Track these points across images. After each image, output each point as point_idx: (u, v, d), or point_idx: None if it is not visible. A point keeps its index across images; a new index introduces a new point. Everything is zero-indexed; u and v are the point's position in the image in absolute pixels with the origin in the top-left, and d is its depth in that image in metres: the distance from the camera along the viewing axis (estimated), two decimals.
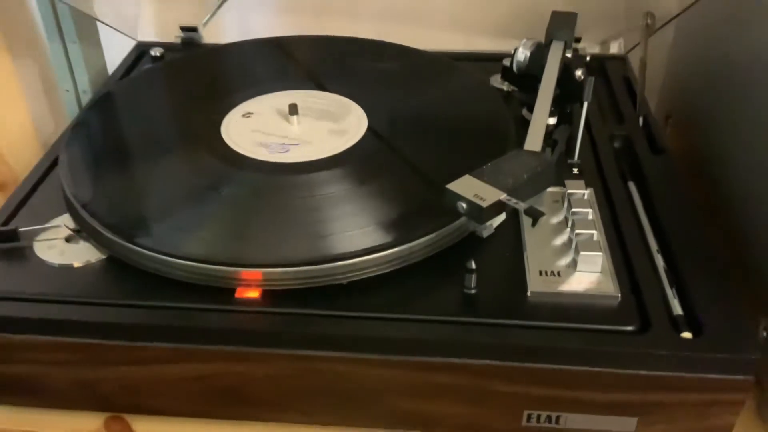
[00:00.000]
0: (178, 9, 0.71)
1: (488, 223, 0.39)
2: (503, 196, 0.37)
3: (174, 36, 0.68)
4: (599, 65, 0.65)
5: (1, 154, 0.81)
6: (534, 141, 0.43)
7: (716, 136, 0.56)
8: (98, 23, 0.73)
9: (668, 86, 0.69)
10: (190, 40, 0.67)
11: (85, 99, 0.74)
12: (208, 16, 0.68)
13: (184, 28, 0.67)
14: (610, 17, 0.68)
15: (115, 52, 0.76)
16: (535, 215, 0.36)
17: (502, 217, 0.40)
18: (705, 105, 0.59)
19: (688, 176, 0.57)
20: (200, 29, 0.67)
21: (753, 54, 0.50)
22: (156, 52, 0.63)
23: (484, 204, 0.36)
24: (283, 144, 0.49)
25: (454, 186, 0.38)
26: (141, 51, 0.68)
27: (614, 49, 0.71)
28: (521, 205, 0.37)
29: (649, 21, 0.61)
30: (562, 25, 0.56)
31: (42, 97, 0.85)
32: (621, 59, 0.67)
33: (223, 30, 0.73)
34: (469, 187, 0.38)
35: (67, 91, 0.73)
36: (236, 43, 0.64)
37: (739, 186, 0.51)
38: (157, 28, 0.72)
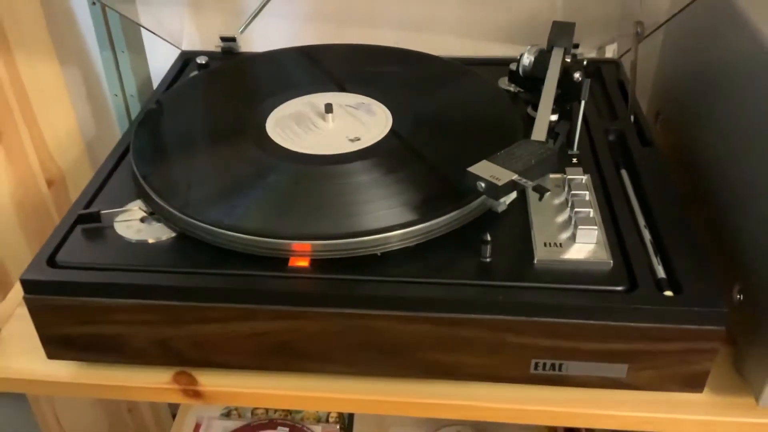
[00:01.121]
0: (215, 20, 0.78)
1: (502, 200, 0.46)
2: (515, 177, 0.44)
3: (214, 45, 0.75)
4: (595, 68, 0.71)
5: (50, 154, 0.88)
6: (539, 132, 0.50)
7: (699, 131, 0.61)
8: (143, 34, 0.80)
9: (658, 87, 0.74)
10: (229, 49, 0.74)
11: (132, 103, 0.81)
12: (243, 26, 0.75)
13: (223, 38, 0.74)
14: (604, 25, 0.73)
15: (157, 60, 0.84)
16: (542, 192, 0.43)
17: (513, 195, 0.47)
18: (690, 104, 0.64)
19: (673, 166, 0.63)
20: (238, 38, 0.74)
21: (731, 58, 0.55)
22: (202, 60, 0.70)
23: (500, 183, 0.44)
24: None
25: (474, 169, 0.45)
26: (185, 59, 0.75)
27: (609, 53, 0.76)
28: (530, 184, 0.44)
29: (639, 29, 0.67)
30: (561, 33, 0.62)
31: (86, 102, 0.92)
32: (615, 63, 0.72)
33: (256, 38, 0.79)
34: (486, 170, 0.45)
35: (116, 95, 0.80)
36: (273, 51, 0.71)
37: (717, 174, 0.56)
38: (198, 38, 0.79)
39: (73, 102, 0.89)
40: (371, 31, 0.81)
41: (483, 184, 0.45)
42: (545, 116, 0.52)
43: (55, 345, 0.49)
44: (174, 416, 0.99)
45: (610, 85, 0.68)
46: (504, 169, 0.45)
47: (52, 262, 0.48)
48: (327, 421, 0.88)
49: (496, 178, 0.44)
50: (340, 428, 0.87)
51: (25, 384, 0.53)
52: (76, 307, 0.47)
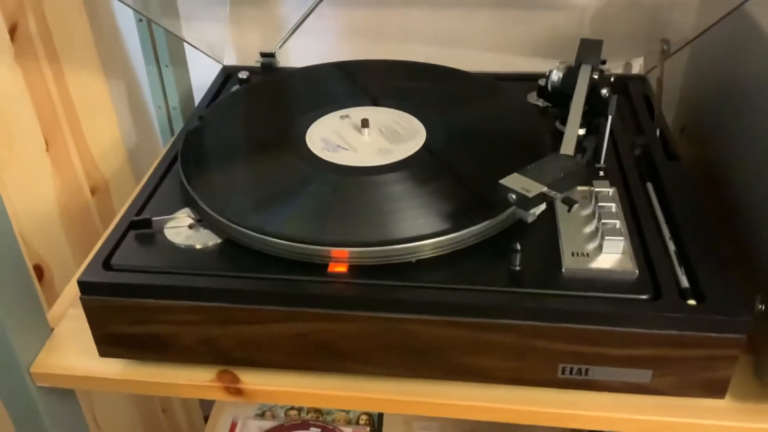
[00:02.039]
0: (255, 36, 0.82)
1: (532, 211, 0.48)
2: (544, 189, 0.47)
3: (254, 60, 0.78)
4: (622, 84, 0.72)
5: (95, 162, 0.92)
6: (568, 146, 0.52)
7: (723, 146, 0.63)
8: (186, 49, 0.84)
9: (683, 102, 0.75)
10: (268, 64, 0.78)
11: (175, 115, 0.84)
12: (281, 42, 0.78)
13: (263, 54, 0.77)
14: (631, 42, 0.75)
15: (198, 74, 0.87)
16: (570, 203, 0.46)
17: (543, 206, 0.49)
18: (715, 119, 0.66)
19: (698, 180, 0.65)
20: (276, 54, 0.78)
21: (755, 75, 0.57)
22: (243, 74, 0.73)
23: (530, 195, 0.46)
24: (338, 146, 0.59)
25: (505, 181, 0.48)
26: (227, 73, 0.79)
27: (635, 69, 0.78)
28: (558, 196, 0.46)
29: (665, 47, 0.69)
30: (589, 50, 0.64)
31: (129, 113, 0.96)
32: (641, 79, 0.74)
33: (293, 54, 0.83)
34: (517, 182, 0.47)
35: (159, 107, 0.84)
36: (311, 66, 0.74)
37: (740, 187, 0.58)
38: (238, 53, 0.82)
39: (116, 113, 0.93)
40: (403, 47, 0.84)
41: (514, 196, 0.47)
42: (574, 131, 0.54)
43: (108, 343, 0.52)
44: (206, 419, 1.02)
45: (637, 100, 0.70)
46: (534, 181, 0.47)
47: (107, 265, 0.51)
48: (357, 423, 0.91)
49: (527, 190, 0.46)
50: (370, 430, 0.90)
51: (77, 380, 0.56)
52: (129, 307, 0.50)
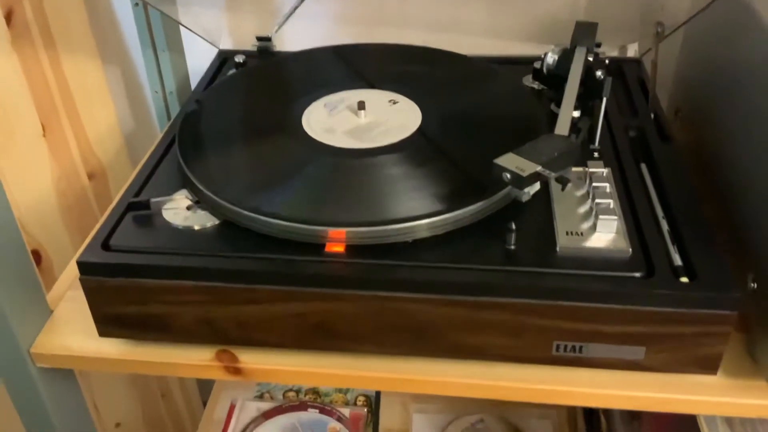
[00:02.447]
0: (251, 20, 0.82)
1: (526, 190, 0.49)
2: (539, 168, 0.47)
3: (250, 44, 0.78)
4: (617, 67, 0.73)
5: (91, 148, 0.92)
6: (562, 127, 0.53)
7: (716, 128, 0.63)
8: (183, 33, 0.84)
9: (677, 84, 0.76)
10: (265, 48, 0.78)
11: (171, 100, 0.85)
12: (278, 26, 0.78)
13: (259, 38, 0.78)
14: (626, 26, 0.76)
15: (195, 58, 0.88)
16: (564, 182, 0.46)
17: (537, 186, 0.50)
18: (708, 101, 0.66)
19: (692, 160, 0.65)
20: (273, 38, 0.78)
21: (747, 58, 0.57)
22: (240, 58, 0.73)
23: (524, 174, 0.47)
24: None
25: (500, 160, 0.48)
26: (223, 58, 0.79)
27: (630, 52, 0.78)
28: (552, 175, 0.47)
29: (659, 29, 0.69)
30: (584, 33, 0.65)
31: (125, 99, 0.96)
32: (636, 62, 0.75)
33: (289, 38, 0.83)
34: (511, 162, 0.48)
35: (156, 92, 0.84)
36: (308, 50, 0.74)
37: (733, 168, 0.58)
38: (234, 37, 0.82)
39: (113, 98, 0.93)
40: (400, 32, 0.84)
41: (508, 175, 0.48)
42: (568, 112, 0.55)
43: (107, 323, 0.53)
44: (205, 403, 1.03)
45: (632, 83, 0.71)
46: (528, 161, 0.48)
47: (106, 246, 0.51)
48: (355, 404, 0.92)
49: (521, 169, 0.47)
50: (367, 411, 0.91)
51: (77, 360, 0.56)
52: (128, 287, 0.50)
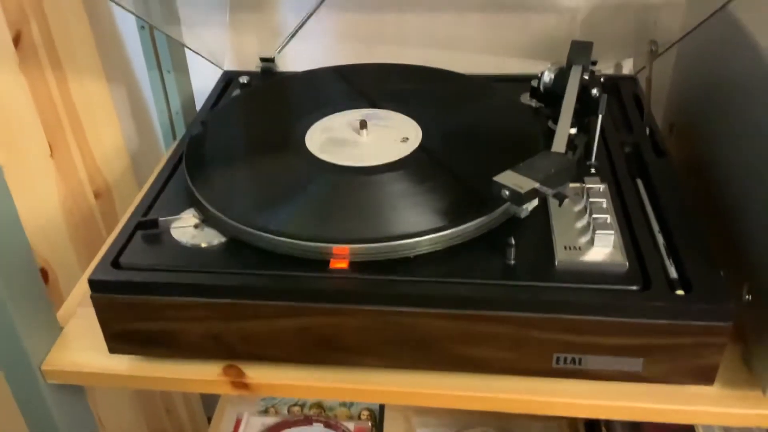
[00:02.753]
0: (254, 41, 0.84)
1: (525, 207, 0.50)
2: (537, 185, 0.48)
3: (254, 65, 0.80)
4: (613, 84, 0.74)
5: (98, 167, 0.93)
6: (559, 144, 0.54)
7: (710, 144, 0.64)
8: (187, 55, 0.86)
9: (672, 100, 0.77)
10: (268, 69, 0.80)
11: (177, 120, 0.86)
12: (280, 47, 0.80)
13: (263, 59, 0.79)
14: (622, 44, 0.77)
15: (199, 79, 0.89)
16: (561, 198, 0.48)
17: (535, 202, 0.51)
18: (702, 117, 0.67)
19: (687, 175, 0.66)
20: (276, 59, 0.80)
21: (738, 75, 0.58)
22: (244, 79, 0.75)
23: (522, 191, 0.48)
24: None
25: (499, 178, 0.50)
26: (228, 78, 0.81)
27: (626, 70, 0.80)
28: (550, 192, 0.48)
29: (653, 47, 0.71)
30: (580, 51, 0.66)
31: (130, 118, 0.98)
32: (631, 79, 0.76)
33: (291, 58, 0.85)
34: (510, 179, 0.49)
35: (162, 112, 0.86)
36: (310, 70, 0.76)
37: (727, 182, 0.60)
38: (238, 58, 0.84)
39: (119, 118, 0.95)
40: (400, 50, 0.85)
41: (507, 192, 0.49)
42: (564, 129, 0.56)
43: (117, 340, 0.54)
44: (209, 419, 1.04)
45: (627, 100, 0.72)
46: (526, 178, 0.49)
47: (116, 263, 0.53)
48: (359, 418, 0.93)
49: (519, 186, 0.48)
50: (372, 425, 0.92)
51: (87, 377, 0.57)
52: (137, 304, 0.52)
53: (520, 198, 0.48)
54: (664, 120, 0.79)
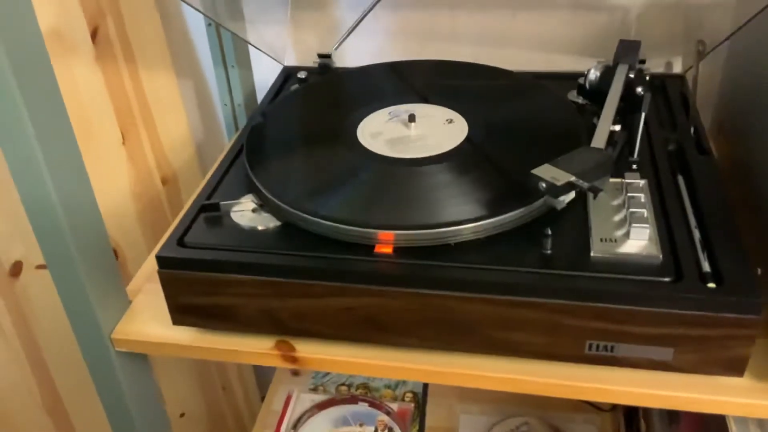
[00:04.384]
0: (312, 38, 0.88)
1: (561, 198, 0.52)
2: (572, 179, 0.51)
3: (312, 61, 0.84)
4: (660, 83, 0.75)
5: (165, 155, 0.99)
6: (599, 140, 0.56)
7: (759, 141, 0.65)
8: (250, 51, 0.91)
9: (721, 101, 0.78)
10: (325, 65, 0.83)
11: (239, 112, 0.91)
12: (337, 44, 0.84)
13: (320, 55, 0.83)
14: (670, 43, 0.78)
15: (260, 73, 0.94)
16: (595, 191, 0.50)
17: (572, 195, 0.53)
18: (751, 118, 0.68)
19: (734, 176, 0.67)
20: (332, 54, 0.84)
21: None
22: (302, 74, 0.79)
23: (558, 183, 0.50)
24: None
25: (537, 171, 0.52)
26: (287, 73, 0.85)
27: (675, 69, 0.81)
28: (585, 185, 0.50)
29: (700, 47, 0.72)
30: (627, 50, 0.68)
31: (197, 110, 1.03)
32: (679, 78, 0.76)
33: (348, 54, 0.88)
34: (547, 172, 0.52)
35: (225, 105, 0.91)
36: (363, 66, 0.80)
37: None
38: (298, 54, 0.88)
39: (186, 110, 1.00)
40: (451, 47, 0.88)
41: (544, 184, 0.52)
42: (605, 126, 0.58)
43: (180, 313, 0.59)
44: (262, 398, 1.09)
45: (674, 98, 0.73)
46: (563, 171, 0.52)
47: (181, 242, 0.57)
48: (402, 399, 0.96)
49: (556, 179, 0.51)
50: (414, 407, 0.95)
51: (151, 346, 0.63)
52: (199, 280, 0.56)
53: (556, 190, 0.51)
54: (713, 119, 0.79)
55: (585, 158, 0.53)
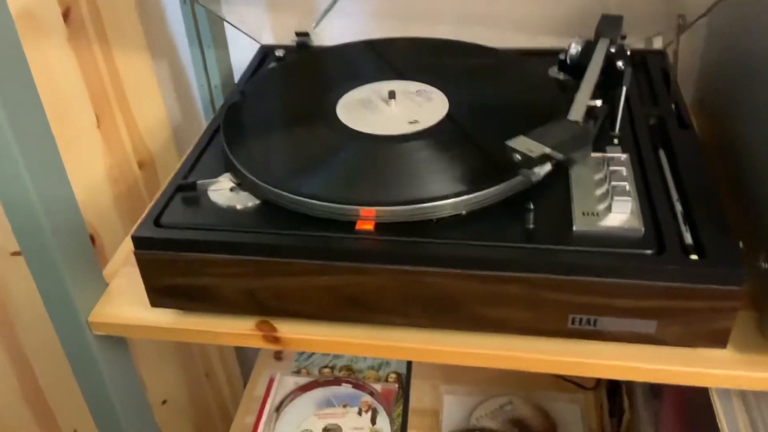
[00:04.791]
0: (291, 16, 0.86)
1: (536, 170, 0.52)
2: (547, 150, 0.50)
3: (290, 40, 0.83)
4: (641, 59, 0.75)
5: (142, 138, 0.97)
6: (576, 112, 0.56)
7: (738, 116, 0.64)
8: (227, 30, 0.89)
9: (702, 76, 0.78)
10: (303, 43, 0.82)
11: (216, 93, 0.89)
12: (316, 22, 0.82)
13: (298, 33, 0.82)
14: (652, 19, 0.78)
15: (237, 53, 0.92)
16: (570, 163, 0.49)
17: (548, 167, 0.53)
18: (731, 93, 0.67)
19: (715, 150, 0.67)
20: (311, 34, 0.82)
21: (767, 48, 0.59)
22: (280, 53, 0.78)
23: (533, 155, 0.50)
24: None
25: (512, 142, 0.52)
26: (264, 52, 0.84)
27: (657, 44, 0.81)
28: (560, 156, 0.50)
29: (680, 21, 0.71)
30: (609, 25, 0.67)
31: (172, 91, 1.02)
32: (660, 53, 0.76)
33: (327, 33, 0.87)
34: (522, 144, 0.51)
35: (202, 86, 0.89)
36: (342, 44, 0.79)
37: (752, 156, 0.60)
38: (275, 33, 0.87)
39: (162, 92, 0.99)
40: (433, 27, 0.86)
41: (519, 156, 0.51)
42: (583, 99, 0.58)
43: (158, 294, 0.58)
44: (245, 384, 1.08)
45: (655, 74, 0.73)
46: (538, 143, 0.51)
47: (157, 223, 0.56)
48: (386, 380, 0.96)
49: (530, 150, 0.50)
50: (398, 388, 0.95)
51: (130, 329, 0.61)
52: (177, 260, 0.55)
53: (530, 162, 0.50)
54: (695, 95, 0.79)
55: (561, 130, 0.53)
